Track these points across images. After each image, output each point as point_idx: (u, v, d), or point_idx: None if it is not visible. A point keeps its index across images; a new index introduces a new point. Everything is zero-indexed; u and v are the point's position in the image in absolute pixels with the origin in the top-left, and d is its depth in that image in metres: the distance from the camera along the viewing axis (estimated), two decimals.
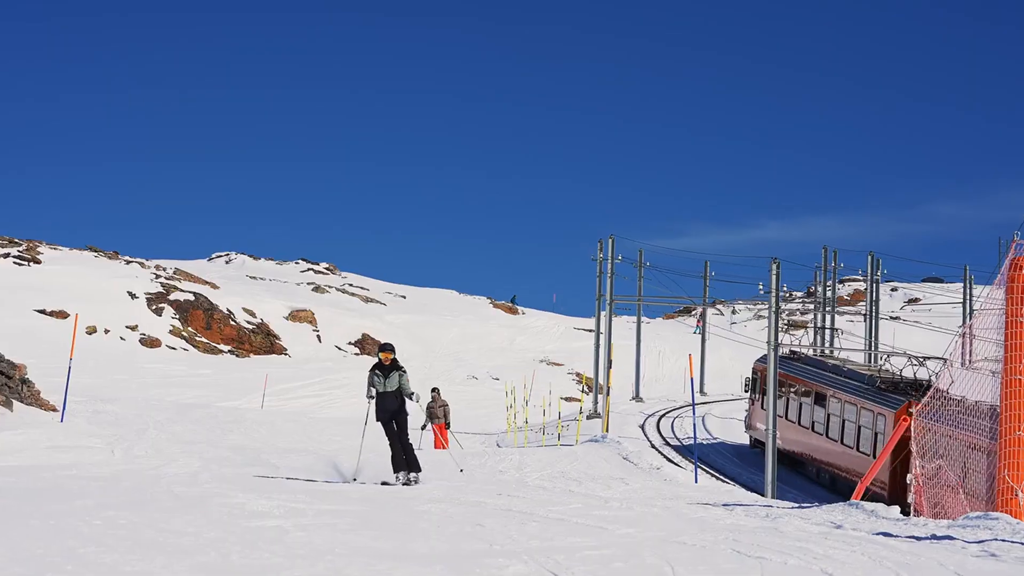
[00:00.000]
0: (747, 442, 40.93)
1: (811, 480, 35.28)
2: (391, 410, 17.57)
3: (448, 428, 30.88)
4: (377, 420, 17.75)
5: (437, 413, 30.92)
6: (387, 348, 18.30)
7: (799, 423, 35.96)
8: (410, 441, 17.58)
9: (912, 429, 16.90)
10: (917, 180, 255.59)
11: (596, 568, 8.36)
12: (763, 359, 39.29)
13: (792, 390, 36.60)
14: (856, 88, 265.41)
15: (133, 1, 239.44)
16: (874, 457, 30.43)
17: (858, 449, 32.31)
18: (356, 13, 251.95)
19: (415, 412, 18.93)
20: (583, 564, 8.48)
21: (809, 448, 35.60)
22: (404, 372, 17.85)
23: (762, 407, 37.77)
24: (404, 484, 16.81)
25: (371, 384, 17.80)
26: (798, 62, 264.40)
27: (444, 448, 28.57)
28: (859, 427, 32.39)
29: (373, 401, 17.84)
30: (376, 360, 18.23)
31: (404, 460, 17.35)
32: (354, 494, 13.86)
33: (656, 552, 9.14)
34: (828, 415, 34.21)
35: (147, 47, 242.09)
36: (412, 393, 17.69)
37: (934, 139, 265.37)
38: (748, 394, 41.04)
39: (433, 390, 31.72)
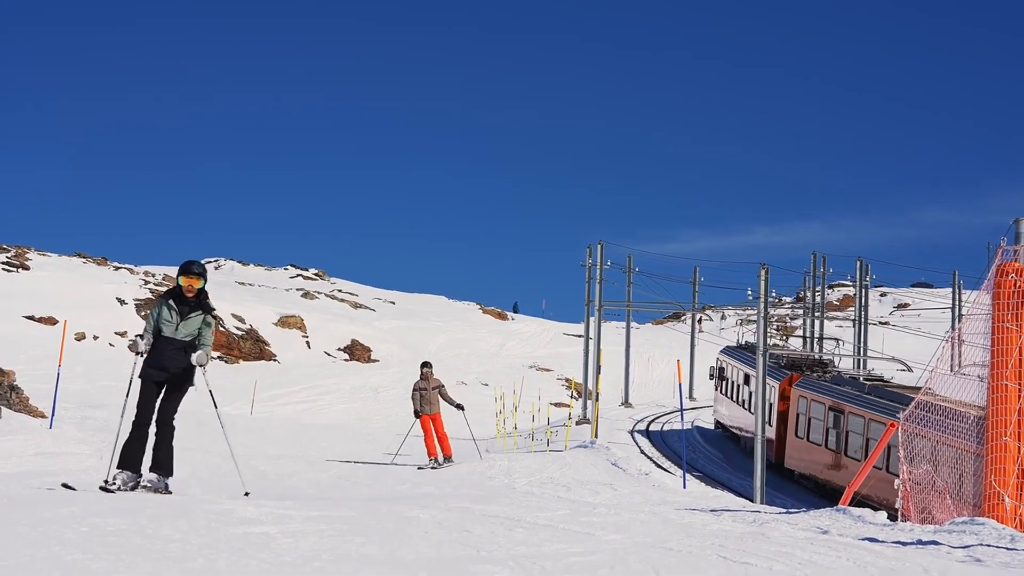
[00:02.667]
0: (735, 444, 41.60)
1: (741, 451, 40.24)
2: (170, 370, 11.81)
3: (461, 409, 24.12)
4: (141, 377, 12.01)
5: (429, 398, 23.58)
6: (192, 271, 12.03)
7: (737, 401, 41.70)
8: (174, 424, 12.02)
9: (899, 433, 16.95)
10: (906, 185, 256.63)
11: (582, 574, 8.39)
12: (725, 350, 46.49)
13: (732, 373, 42.86)
14: (845, 93, 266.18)
15: (122, 7, 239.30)
16: (771, 424, 36.42)
17: None
18: (349, 18, 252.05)
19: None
20: (569, 571, 8.50)
21: (739, 422, 41.35)
22: (212, 319, 12.05)
23: (721, 392, 45.06)
24: (132, 489, 11.73)
25: (152, 323, 11.96)
26: (787, 68, 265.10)
27: (446, 453, 23.48)
28: None
29: (143, 356, 12.02)
30: (173, 286, 12.12)
31: (142, 453, 11.86)
32: (343, 500, 13.87)
33: (642, 558, 9.16)
34: (750, 392, 39.53)
35: (138, 53, 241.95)
36: (206, 349, 12.01)
37: (923, 144, 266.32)
38: (713, 382, 47.08)
39: (424, 366, 24.29)
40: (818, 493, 32.47)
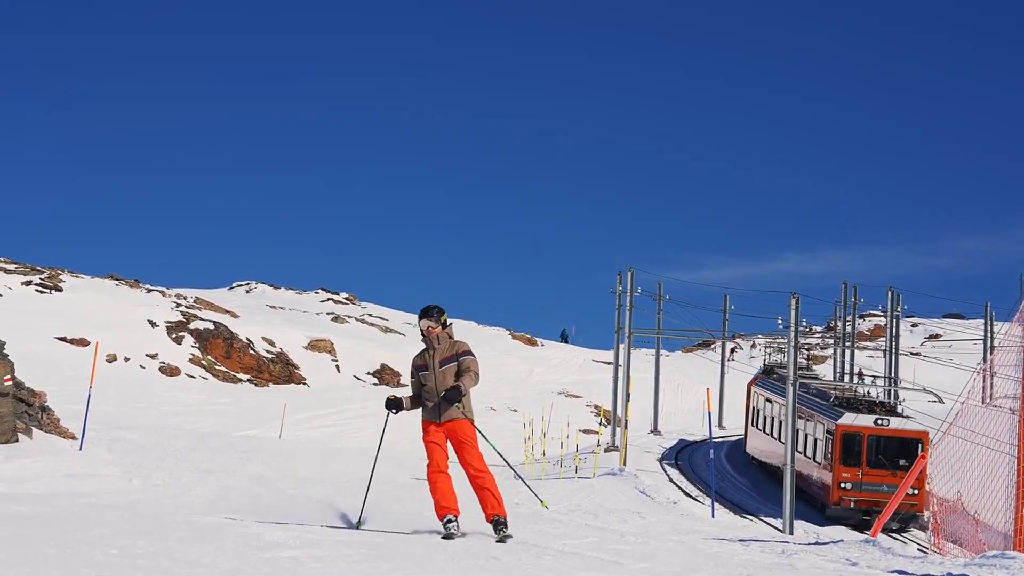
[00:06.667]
0: (763, 471, 41.81)
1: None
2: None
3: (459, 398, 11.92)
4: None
5: (438, 383, 12.04)
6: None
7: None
8: None
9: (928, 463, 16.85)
10: (938, 214, 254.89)
11: None
12: (759, 372, 51.22)
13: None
14: (880, 121, 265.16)
15: (157, 21, 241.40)
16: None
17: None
18: (374, 35, 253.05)
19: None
20: None
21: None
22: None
23: (748, 413, 48.78)
24: None
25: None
26: (818, 95, 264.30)
27: (496, 512, 11.95)
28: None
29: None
30: None
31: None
32: (371, 524, 13.84)
33: None
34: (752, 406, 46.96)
35: (171, 75, 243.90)
36: None
37: (955, 173, 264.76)
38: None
39: (427, 315, 12.74)
40: (763, 472, 38.23)
